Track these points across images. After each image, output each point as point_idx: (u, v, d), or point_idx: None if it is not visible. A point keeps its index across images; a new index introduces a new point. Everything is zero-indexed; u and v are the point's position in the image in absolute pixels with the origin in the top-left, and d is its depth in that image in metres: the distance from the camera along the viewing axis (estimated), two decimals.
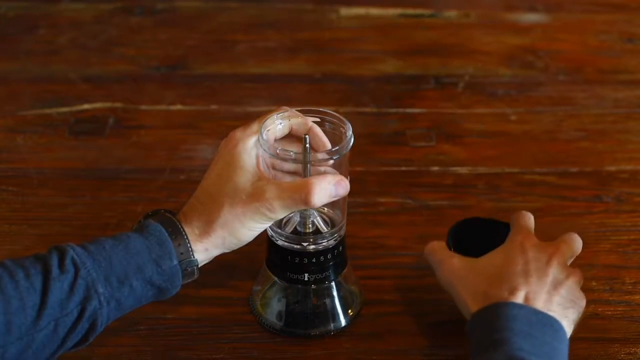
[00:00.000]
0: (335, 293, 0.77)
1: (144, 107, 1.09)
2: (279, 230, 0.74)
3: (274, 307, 0.78)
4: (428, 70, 1.18)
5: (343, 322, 0.77)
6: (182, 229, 0.68)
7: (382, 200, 0.94)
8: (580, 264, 0.85)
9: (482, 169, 0.99)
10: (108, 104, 1.09)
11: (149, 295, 0.67)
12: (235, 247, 0.70)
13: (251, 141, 0.70)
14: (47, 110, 1.08)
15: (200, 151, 1.02)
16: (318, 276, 0.75)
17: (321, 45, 1.25)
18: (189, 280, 0.69)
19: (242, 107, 1.10)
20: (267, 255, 0.77)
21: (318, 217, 0.75)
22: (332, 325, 0.77)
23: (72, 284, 0.62)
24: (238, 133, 0.71)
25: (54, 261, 0.63)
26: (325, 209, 0.76)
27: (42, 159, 0.99)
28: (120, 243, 0.66)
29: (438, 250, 0.76)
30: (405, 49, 1.24)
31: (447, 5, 1.36)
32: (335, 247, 0.75)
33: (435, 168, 0.99)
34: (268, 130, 0.71)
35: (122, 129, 1.05)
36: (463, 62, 1.21)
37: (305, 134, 0.70)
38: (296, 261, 0.74)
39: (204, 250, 0.68)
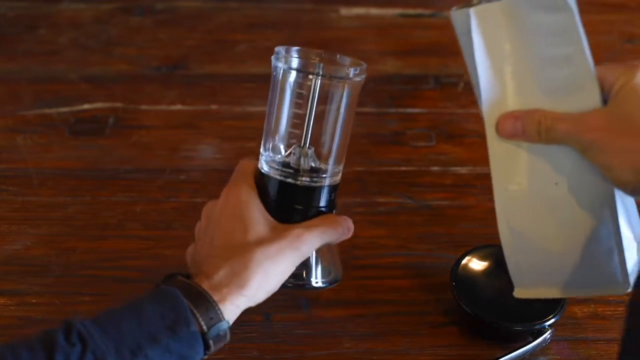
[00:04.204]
0: None
1: (144, 107, 1.09)
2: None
3: None
4: (428, 70, 1.18)
5: (318, 282, 0.75)
6: (206, 293, 0.64)
7: (381, 200, 0.94)
8: None
9: (482, 169, 0.99)
10: (108, 104, 1.09)
11: None
12: (262, 299, 0.68)
13: (251, 193, 0.70)
14: (47, 110, 1.08)
15: (200, 151, 1.02)
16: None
17: (321, 45, 1.24)
18: (221, 345, 0.65)
19: (242, 107, 1.10)
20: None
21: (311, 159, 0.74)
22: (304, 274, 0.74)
23: (80, 359, 0.59)
24: (235, 191, 0.71)
25: (60, 336, 0.60)
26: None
27: (42, 159, 0.99)
28: (132, 311, 0.63)
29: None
30: (405, 49, 1.24)
31: (447, 5, 1.36)
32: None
33: (435, 168, 0.99)
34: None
35: (122, 129, 1.05)
36: (463, 62, 1.21)
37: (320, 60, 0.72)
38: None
39: (235, 308, 0.66)
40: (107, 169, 0.98)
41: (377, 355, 0.76)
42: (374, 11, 1.33)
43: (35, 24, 1.27)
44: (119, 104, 1.09)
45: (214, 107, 1.10)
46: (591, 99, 0.63)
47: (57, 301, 0.81)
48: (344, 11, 1.33)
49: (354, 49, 1.23)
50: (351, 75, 0.71)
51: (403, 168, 0.99)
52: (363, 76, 0.72)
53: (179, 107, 1.09)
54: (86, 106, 1.09)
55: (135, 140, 1.03)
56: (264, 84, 1.15)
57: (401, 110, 1.10)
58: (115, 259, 0.86)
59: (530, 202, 0.67)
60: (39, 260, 0.85)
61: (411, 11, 1.34)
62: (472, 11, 0.65)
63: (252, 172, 0.73)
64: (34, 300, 0.81)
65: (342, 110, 0.72)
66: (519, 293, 0.71)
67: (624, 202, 0.66)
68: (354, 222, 0.82)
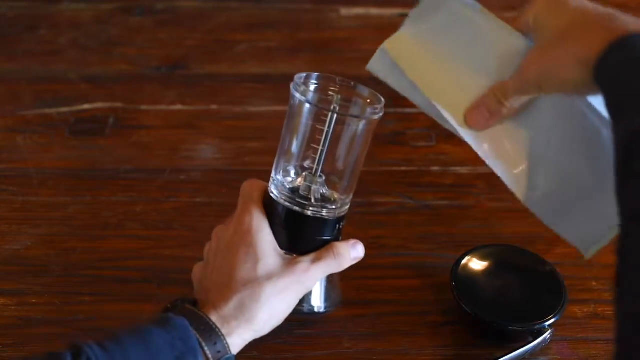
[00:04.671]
0: None
1: (144, 107, 1.09)
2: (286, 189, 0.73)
3: None
4: None
5: (320, 307, 0.76)
6: (214, 326, 0.65)
7: (382, 200, 0.94)
8: (580, 264, 0.85)
9: (482, 169, 0.99)
10: (108, 104, 1.09)
11: None
12: (268, 332, 0.69)
13: (262, 220, 0.70)
14: (47, 110, 1.08)
15: (200, 151, 1.02)
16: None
17: (321, 45, 1.25)
18: None
19: (242, 107, 1.10)
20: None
21: (323, 189, 0.74)
22: (305, 305, 0.75)
23: None
24: (247, 218, 0.71)
25: None
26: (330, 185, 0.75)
27: (42, 159, 0.99)
28: (140, 339, 0.62)
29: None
30: None
31: None
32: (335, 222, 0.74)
33: (435, 168, 0.99)
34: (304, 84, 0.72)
35: (122, 129, 1.05)
36: None
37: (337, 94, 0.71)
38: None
39: (242, 342, 0.67)
40: (107, 169, 0.98)
41: (377, 355, 0.76)
42: (374, 11, 1.33)
43: (35, 24, 1.27)
44: (119, 104, 1.09)
45: (214, 107, 1.10)
46: (520, 49, 0.66)
47: (57, 301, 0.81)
48: (344, 11, 1.33)
49: (354, 49, 1.23)
50: (368, 114, 0.71)
51: (403, 168, 0.99)
52: (380, 114, 0.72)
53: (179, 107, 1.09)
54: (86, 106, 1.09)
55: (135, 140, 1.03)
56: (264, 84, 1.16)
57: (401, 110, 1.10)
58: (115, 259, 0.86)
59: (538, 171, 0.68)
60: (39, 260, 0.85)
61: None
62: (385, 47, 0.69)
63: (261, 194, 0.73)
64: (34, 300, 0.81)
65: (356, 143, 0.72)
66: (589, 253, 0.69)
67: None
68: (354, 223, 0.82)
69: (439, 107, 0.69)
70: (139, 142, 1.03)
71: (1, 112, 1.08)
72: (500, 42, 0.66)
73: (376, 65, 0.69)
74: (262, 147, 1.01)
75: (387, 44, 0.68)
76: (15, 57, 1.20)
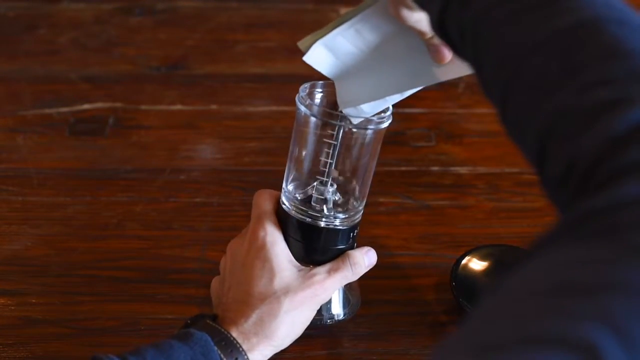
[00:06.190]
0: None
1: (144, 107, 1.09)
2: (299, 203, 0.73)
3: None
4: None
5: (340, 314, 0.76)
6: (236, 342, 0.66)
7: (382, 200, 0.94)
8: None
9: (482, 169, 0.99)
10: (108, 104, 1.09)
11: None
12: (287, 345, 0.70)
13: (276, 234, 0.71)
14: (47, 110, 1.08)
15: (200, 151, 1.02)
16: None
17: None
18: None
19: (242, 107, 1.10)
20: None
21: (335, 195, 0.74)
22: (325, 314, 0.76)
23: None
24: (261, 233, 0.71)
25: None
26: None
27: (42, 159, 0.99)
28: (162, 353, 0.63)
29: None
30: None
31: None
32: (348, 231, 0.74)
33: (435, 168, 0.99)
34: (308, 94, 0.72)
35: (122, 129, 1.05)
36: None
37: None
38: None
39: (262, 357, 0.67)
40: (107, 169, 0.98)
41: (377, 355, 0.76)
42: None
43: (35, 24, 1.27)
44: (119, 104, 1.09)
45: (214, 107, 1.10)
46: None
47: (57, 301, 0.81)
48: (344, 11, 1.32)
49: None
50: (375, 124, 0.71)
51: (403, 168, 0.99)
52: (388, 122, 0.71)
53: (179, 107, 1.09)
54: (86, 106, 1.09)
55: (135, 140, 1.03)
56: (263, 84, 1.16)
57: (401, 110, 1.10)
58: (115, 259, 0.86)
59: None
60: (39, 260, 0.85)
61: None
62: (340, 105, 0.69)
63: (274, 205, 0.73)
64: (33, 300, 0.81)
65: (365, 152, 0.72)
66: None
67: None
68: None
69: (413, 90, 0.71)
70: (139, 142, 1.03)
71: (1, 112, 1.08)
72: (383, 20, 0.69)
73: (352, 113, 0.71)
74: (262, 147, 1.02)
75: (341, 107, 0.70)
76: (15, 57, 1.20)
